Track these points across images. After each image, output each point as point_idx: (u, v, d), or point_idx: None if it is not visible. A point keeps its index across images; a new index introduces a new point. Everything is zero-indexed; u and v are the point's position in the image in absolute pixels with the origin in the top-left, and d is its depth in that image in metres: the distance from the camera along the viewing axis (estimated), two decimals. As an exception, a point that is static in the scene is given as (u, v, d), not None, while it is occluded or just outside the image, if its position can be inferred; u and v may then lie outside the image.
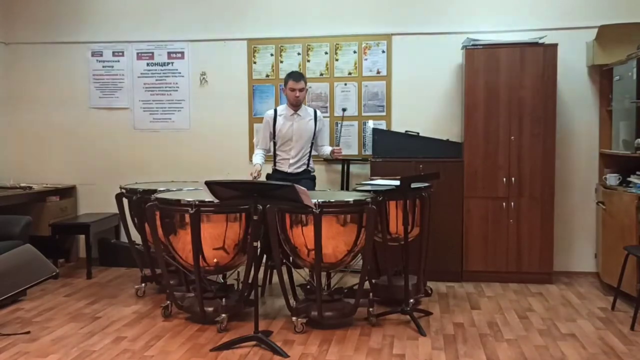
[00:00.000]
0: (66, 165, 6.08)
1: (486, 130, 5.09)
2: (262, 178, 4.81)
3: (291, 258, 4.17)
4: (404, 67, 5.57)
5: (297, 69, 5.68)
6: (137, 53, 5.96)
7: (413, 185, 4.15)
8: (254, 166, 4.77)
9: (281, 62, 5.74)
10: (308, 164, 4.93)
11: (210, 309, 4.01)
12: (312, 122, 4.87)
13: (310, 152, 4.93)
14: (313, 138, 4.89)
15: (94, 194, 6.03)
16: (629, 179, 4.72)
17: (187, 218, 3.85)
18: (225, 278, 4.39)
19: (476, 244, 5.14)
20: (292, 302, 4.12)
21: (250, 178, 4.59)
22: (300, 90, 4.77)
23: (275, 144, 4.88)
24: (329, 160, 5.52)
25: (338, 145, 5.08)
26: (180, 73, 5.92)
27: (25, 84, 6.10)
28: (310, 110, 4.94)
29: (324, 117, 5.10)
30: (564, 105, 5.32)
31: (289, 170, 4.85)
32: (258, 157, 4.89)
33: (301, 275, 4.27)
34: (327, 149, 4.96)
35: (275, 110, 4.91)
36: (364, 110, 5.66)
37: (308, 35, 5.68)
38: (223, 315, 3.91)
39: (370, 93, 5.65)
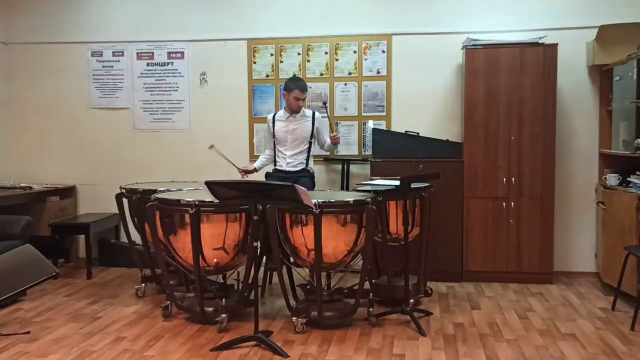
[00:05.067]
0: (66, 165, 6.08)
1: (486, 130, 5.09)
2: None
3: (291, 258, 4.17)
4: (404, 67, 5.57)
5: (297, 69, 5.69)
6: (137, 53, 5.96)
7: (413, 185, 4.15)
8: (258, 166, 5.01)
9: (281, 62, 5.74)
10: (307, 164, 4.96)
11: (210, 309, 4.01)
12: (310, 122, 4.95)
13: (309, 151, 4.95)
14: (311, 137, 4.94)
15: (94, 194, 6.03)
16: (629, 179, 4.71)
17: (187, 218, 3.85)
18: (225, 278, 4.39)
19: (476, 244, 5.14)
20: (292, 302, 4.12)
21: (239, 172, 4.91)
22: (304, 99, 4.92)
23: (275, 144, 4.97)
24: (329, 160, 5.52)
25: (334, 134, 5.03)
26: (180, 73, 5.92)
27: (25, 84, 6.10)
28: (309, 112, 5.01)
29: (323, 117, 5.11)
30: (564, 105, 5.32)
31: (286, 168, 4.91)
32: (259, 160, 5.09)
33: (301, 275, 4.27)
34: (328, 140, 5.01)
35: (274, 115, 5.05)
36: (364, 110, 5.66)
37: (308, 35, 5.68)
38: (223, 315, 3.91)
39: (370, 93, 5.65)
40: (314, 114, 5.00)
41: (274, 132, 4.96)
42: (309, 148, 4.95)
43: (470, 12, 5.44)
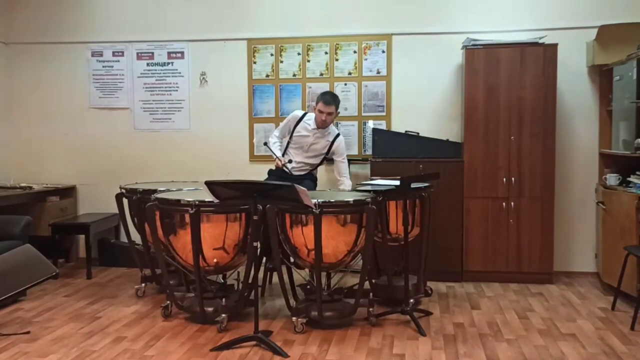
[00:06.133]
0: (66, 165, 6.08)
1: (486, 130, 5.09)
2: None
3: (291, 258, 4.17)
4: (404, 67, 5.57)
5: (297, 69, 5.68)
6: (137, 53, 5.96)
7: (413, 185, 4.15)
8: (276, 159, 4.79)
9: (281, 62, 5.74)
10: (311, 171, 4.98)
11: (210, 309, 4.01)
12: (329, 144, 4.87)
13: (318, 165, 4.98)
14: (327, 154, 4.91)
15: (94, 194, 6.03)
16: (629, 179, 4.71)
17: (187, 218, 3.85)
18: (225, 278, 4.39)
19: (476, 244, 5.14)
20: (292, 302, 4.12)
21: (280, 164, 4.75)
22: (329, 114, 4.74)
23: (289, 142, 4.93)
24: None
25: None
26: (180, 73, 5.92)
27: (25, 83, 6.10)
28: (334, 132, 4.91)
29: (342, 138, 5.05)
30: (564, 105, 5.32)
31: (291, 171, 4.85)
32: (277, 148, 4.86)
33: (301, 275, 4.27)
34: (347, 184, 4.85)
35: (304, 115, 4.91)
36: (364, 110, 5.66)
37: (308, 35, 5.68)
38: (223, 315, 3.91)
39: (370, 93, 5.65)
40: (337, 136, 4.89)
41: (292, 132, 4.88)
42: (320, 162, 4.96)
43: (470, 12, 5.44)
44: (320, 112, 4.73)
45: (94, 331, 3.93)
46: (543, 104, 5.01)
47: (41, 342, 3.72)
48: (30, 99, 6.11)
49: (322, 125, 4.82)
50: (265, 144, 4.92)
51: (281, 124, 5.03)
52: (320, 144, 4.88)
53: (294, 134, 4.88)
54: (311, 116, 4.90)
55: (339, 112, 4.92)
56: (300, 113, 4.95)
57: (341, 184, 4.88)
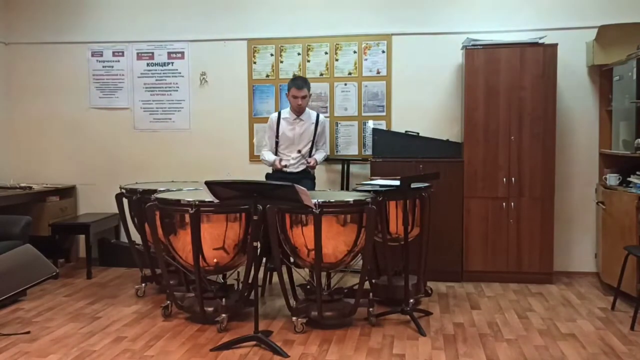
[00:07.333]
0: (66, 165, 6.08)
1: (486, 130, 5.09)
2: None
3: (291, 258, 4.17)
4: (404, 67, 5.57)
5: (297, 69, 5.69)
6: (137, 53, 5.96)
7: (413, 185, 4.16)
8: (274, 162, 4.87)
9: (281, 62, 5.74)
10: (308, 168, 4.97)
11: (210, 309, 4.01)
12: (313, 126, 4.93)
13: (311, 153, 4.98)
14: (314, 139, 4.95)
15: (94, 194, 6.03)
16: (629, 179, 4.71)
17: (187, 218, 3.85)
18: (225, 278, 4.39)
19: (476, 244, 5.14)
20: (292, 302, 4.12)
21: (280, 167, 4.82)
22: (303, 97, 4.82)
23: (277, 144, 4.94)
24: (329, 160, 5.50)
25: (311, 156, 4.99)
26: (180, 73, 5.92)
27: (25, 84, 6.10)
28: (313, 114, 4.99)
29: (324, 117, 5.13)
30: (564, 105, 5.32)
31: (288, 170, 4.87)
32: (270, 154, 4.94)
33: (301, 275, 4.27)
34: (319, 155, 4.98)
35: (279, 114, 4.99)
36: (364, 110, 5.66)
37: (308, 35, 5.68)
38: (223, 315, 3.91)
39: (370, 93, 5.64)
40: (317, 116, 4.99)
41: (277, 133, 4.93)
42: (311, 150, 4.96)
43: (470, 12, 5.44)
44: (295, 97, 4.80)
45: (94, 331, 3.93)
46: (543, 104, 5.01)
47: (41, 342, 3.72)
48: (30, 98, 6.11)
49: (298, 109, 4.87)
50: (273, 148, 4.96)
51: (265, 135, 5.08)
52: (306, 130, 4.92)
53: (280, 134, 4.92)
54: (285, 110, 4.98)
55: (311, 94, 5.05)
56: (275, 114, 5.03)
57: (318, 151, 4.97)
